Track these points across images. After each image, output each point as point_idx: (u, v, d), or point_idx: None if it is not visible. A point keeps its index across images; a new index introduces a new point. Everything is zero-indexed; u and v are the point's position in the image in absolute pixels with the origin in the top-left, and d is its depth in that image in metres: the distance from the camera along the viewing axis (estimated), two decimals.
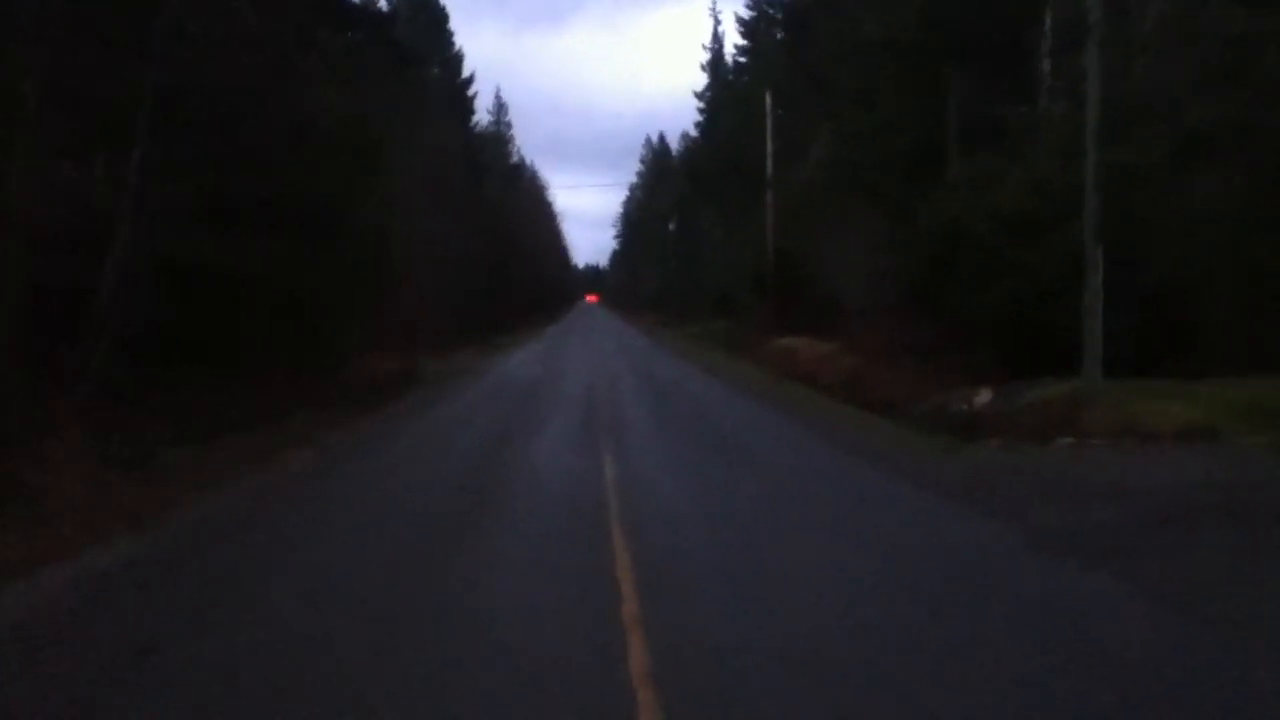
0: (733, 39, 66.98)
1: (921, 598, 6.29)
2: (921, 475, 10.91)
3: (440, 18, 58.01)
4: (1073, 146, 15.50)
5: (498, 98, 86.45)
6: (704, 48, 74.14)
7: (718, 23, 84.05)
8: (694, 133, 77.24)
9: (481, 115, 71.74)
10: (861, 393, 19.53)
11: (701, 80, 73.43)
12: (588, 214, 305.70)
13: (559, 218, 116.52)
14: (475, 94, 61.67)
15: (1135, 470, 10.89)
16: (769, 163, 40.43)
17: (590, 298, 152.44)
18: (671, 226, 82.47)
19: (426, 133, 39.34)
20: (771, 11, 53.06)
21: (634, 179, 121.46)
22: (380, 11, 45.63)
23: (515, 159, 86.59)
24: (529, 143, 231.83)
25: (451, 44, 58.98)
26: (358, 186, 18.87)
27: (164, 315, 12.95)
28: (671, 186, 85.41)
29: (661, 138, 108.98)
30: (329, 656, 5.27)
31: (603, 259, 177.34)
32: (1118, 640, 5.47)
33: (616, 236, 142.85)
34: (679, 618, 5.78)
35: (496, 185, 66.59)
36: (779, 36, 48.18)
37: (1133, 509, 8.76)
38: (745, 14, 58.72)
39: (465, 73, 59.89)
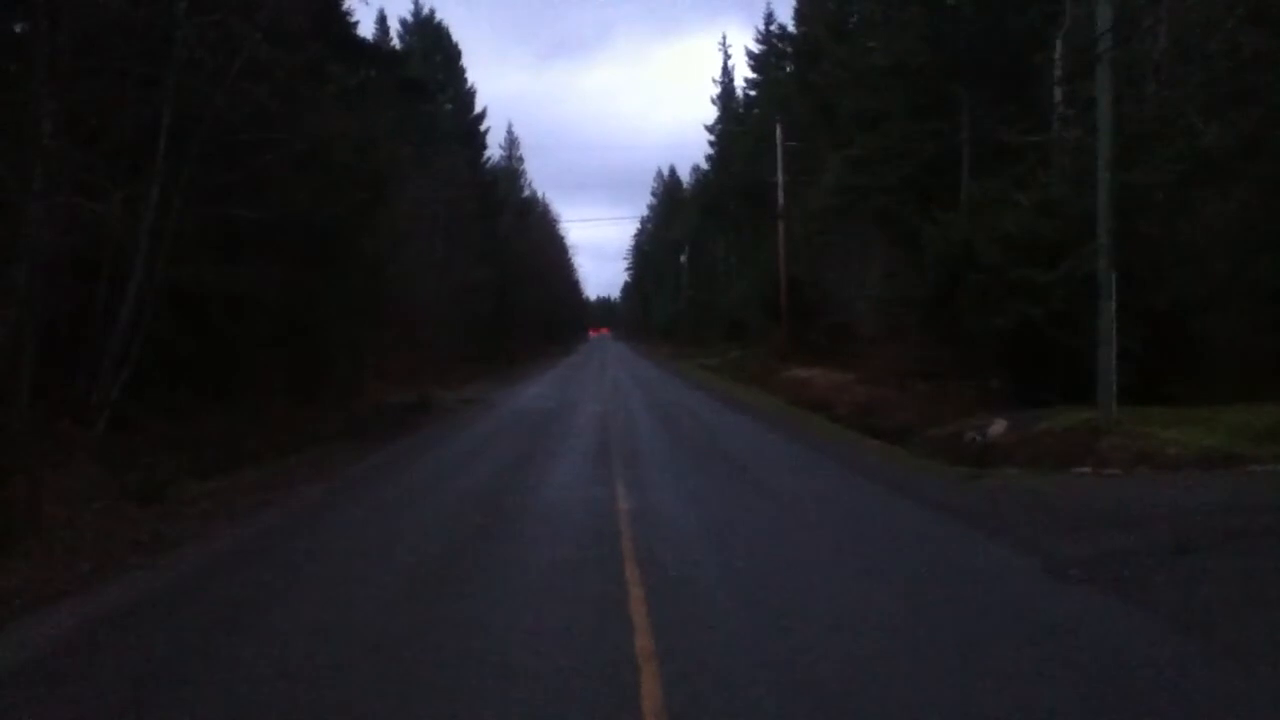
0: (743, 73, 67.48)
1: (941, 626, 6.21)
2: (939, 504, 10.81)
3: (453, 55, 58.74)
4: (1083, 169, 15.52)
5: (510, 133, 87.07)
6: (714, 82, 75.07)
7: (728, 57, 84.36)
8: (705, 165, 77.92)
9: (494, 150, 72.44)
10: (875, 420, 19.49)
11: (712, 114, 74.17)
12: (600, 247, 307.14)
13: (571, 251, 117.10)
14: (487, 129, 62.31)
15: (1153, 498, 10.76)
16: (780, 194, 40.62)
17: (602, 330, 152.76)
18: (683, 259, 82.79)
19: (437, 166, 39.67)
20: (781, 45, 53.55)
21: (645, 212, 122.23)
22: (393, 50, 46.38)
23: (527, 193, 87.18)
24: (542, 177, 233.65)
25: (464, 80, 59.69)
26: (366, 213, 18.98)
27: (176, 344, 13.00)
28: (683, 219, 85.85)
29: (672, 171, 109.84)
30: (340, 690, 5.23)
31: (614, 292, 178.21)
32: (1135, 666, 5.40)
33: (628, 269, 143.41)
34: (694, 651, 5.69)
35: (508, 219, 66.97)
36: (788, 69, 48.56)
37: (1151, 536, 8.64)
38: (755, 48, 59.48)
39: (477, 109, 60.57)
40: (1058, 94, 20.71)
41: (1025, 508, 10.39)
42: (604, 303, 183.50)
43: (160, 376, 13.30)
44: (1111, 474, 12.22)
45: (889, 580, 7.50)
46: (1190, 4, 16.95)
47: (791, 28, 48.37)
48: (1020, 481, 12.23)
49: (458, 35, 56.79)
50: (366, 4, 61.63)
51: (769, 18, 59.68)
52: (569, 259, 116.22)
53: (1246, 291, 15.85)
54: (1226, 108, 15.96)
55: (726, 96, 72.74)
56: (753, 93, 61.68)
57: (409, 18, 57.67)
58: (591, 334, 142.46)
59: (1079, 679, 5.19)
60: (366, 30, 45.51)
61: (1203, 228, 16.31)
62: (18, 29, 12.21)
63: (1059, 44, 20.25)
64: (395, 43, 53.39)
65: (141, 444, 12.13)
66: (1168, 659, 5.53)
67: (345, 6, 22.28)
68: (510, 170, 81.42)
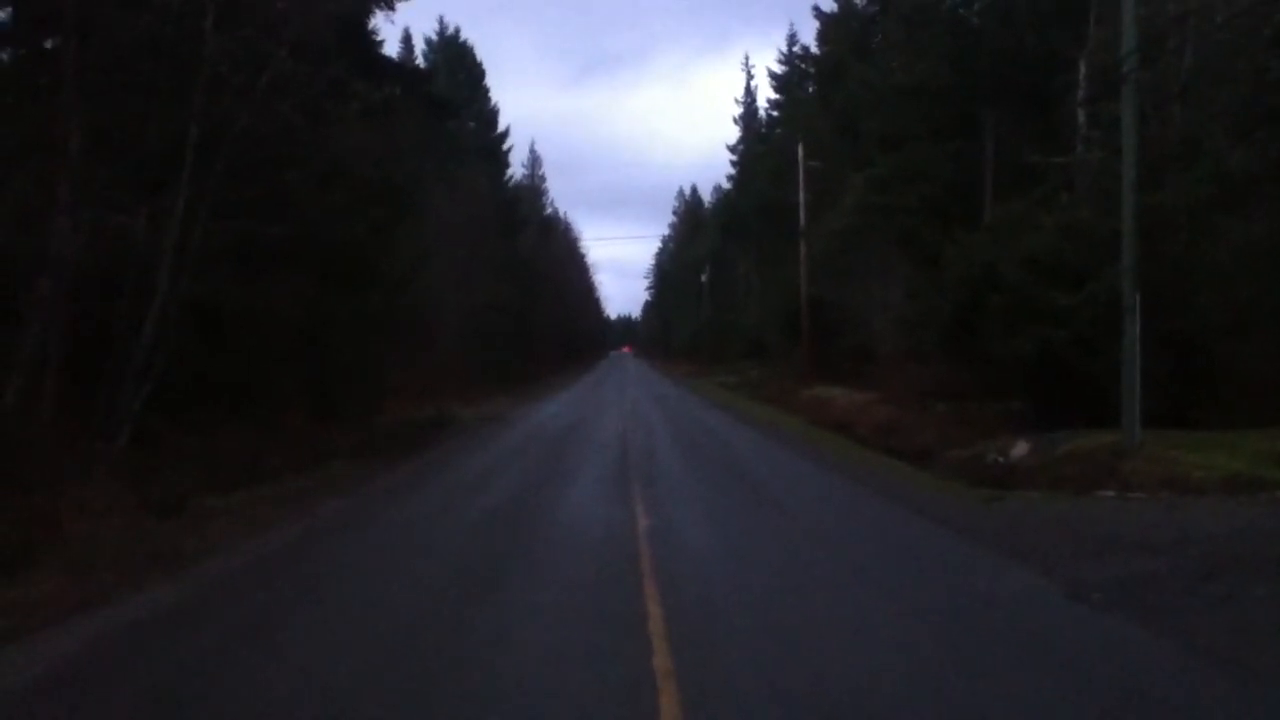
0: (765, 93, 67.88)
1: (961, 650, 6.13)
2: (960, 526, 10.69)
3: (477, 75, 59.15)
4: (1107, 191, 15.43)
5: (532, 151, 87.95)
6: (736, 101, 75.27)
7: (750, 77, 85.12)
8: (726, 185, 78.10)
9: (516, 169, 72.85)
10: (896, 441, 19.36)
11: (734, 133, 74.45)
12: (622, 265, 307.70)
13: (592, 269, 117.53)
14: (510, 148, 62.66)
15: (1178, 522, 10.61)
16: (801, 213, 40.57)
17: (624, 348, 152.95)
18: (704, 278, 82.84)
19: (460, 184, 39.87)
20: (803, 66, 53.67)
21: (666, 231, 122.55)
22: (417, 68, 46.69)
23: (549, 211, 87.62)
24: (568, 195, 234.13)
25: (488, 99, 60.10)
26: (387, 229, 19.07)
27: (198, 360, 13.05)
28: (704, 238, 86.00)
29: (694, 190, 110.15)
30: (357, 705, 5.21)
31: (635, 309, 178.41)
32: (1161, 695, 5.31)
33: (649, 288, 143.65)
34: (712, 671, 5.65)
35: (530, 237, 67.23)
36: (810, 90, 48.61)
37: (1176, 561, 8.51)
38: (778, 69, 59.64)
39: (500, 127, 60.93)
40: (1081, 115, 20.63)
41: (1047, 531, 10.27)
42: (625, 321, 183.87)
43: (179, 390, 13.35)
44: (1135, 498, 12.05)
45: (908, 602, 7.42)
46: (1216, 25, 16.86)
47: (814, 48, 48.52)
48: (1042, 504, 12.10)
49: (492, 53, 57.43)
50: (392, 23, 62.08)
51: (792, 39, 59.77)
52: (590, 277, 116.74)
53: (1271, 315, 15.68)
54: (1253, 130, 15.85)
55: (749, 117, 72.99)
56: (775, 113, 61.82)
57: (434, 36, 58.21)
58: (612, 352, 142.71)
59: (1102, 707, 5.10)
60: (392, 48, 45.78)
61: (1228, 251, 16.17)
62: (47, 44, 12.35)
63: (1082, 65, 20.20)
64: (420, 61, 53.81)
65: (161, 458, 12.17)
66: (1194, 687, 5.44)
67: (371, 25, 22.45)
68: (532, 189, 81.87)
